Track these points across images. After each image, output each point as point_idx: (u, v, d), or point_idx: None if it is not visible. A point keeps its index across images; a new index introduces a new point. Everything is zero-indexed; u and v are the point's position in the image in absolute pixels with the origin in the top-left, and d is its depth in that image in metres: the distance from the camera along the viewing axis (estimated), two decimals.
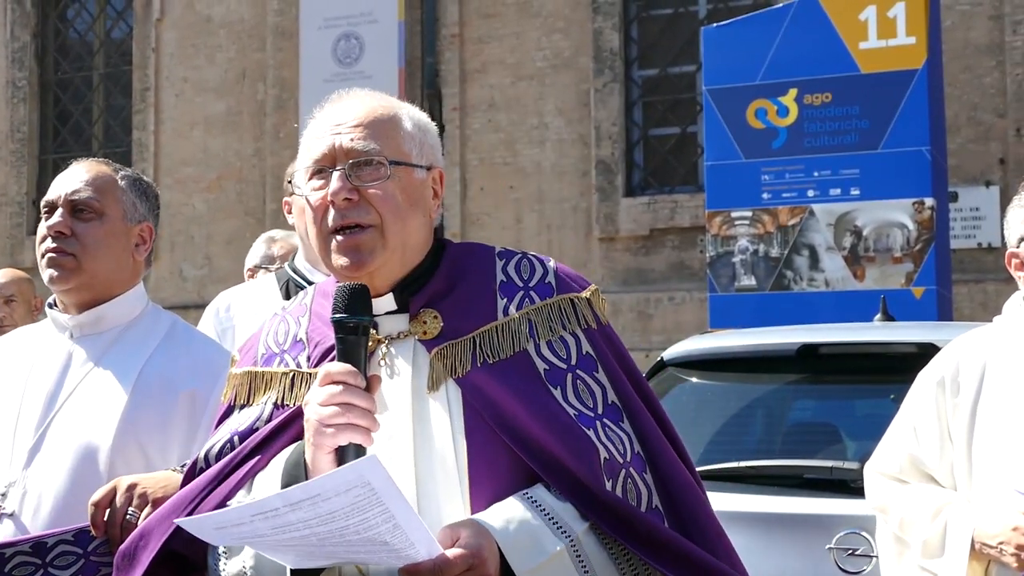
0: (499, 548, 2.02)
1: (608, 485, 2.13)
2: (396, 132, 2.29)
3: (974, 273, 11.46)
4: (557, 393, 2.20)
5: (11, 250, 15.35)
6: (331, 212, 2.23)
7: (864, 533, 4.07)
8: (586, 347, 2.27)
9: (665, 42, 13.37)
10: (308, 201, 2.28)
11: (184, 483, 2.34)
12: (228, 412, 2.38)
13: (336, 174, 2.23)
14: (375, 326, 2.25)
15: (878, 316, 5.89)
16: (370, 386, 2.11)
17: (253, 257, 5.66)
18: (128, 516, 2.51)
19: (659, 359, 5.29)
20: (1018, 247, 3.20)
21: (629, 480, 2.16)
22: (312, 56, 14.15)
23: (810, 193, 8.83)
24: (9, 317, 5.92)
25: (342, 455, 2.05)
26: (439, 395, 2.20)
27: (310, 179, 2.28)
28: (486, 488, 2.13)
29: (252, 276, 5.65)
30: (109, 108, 16.02)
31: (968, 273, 11.36)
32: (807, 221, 8.80)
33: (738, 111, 8.99)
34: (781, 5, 9.25)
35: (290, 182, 4.07)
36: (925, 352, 3.86)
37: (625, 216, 13.08)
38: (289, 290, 4.06)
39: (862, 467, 3.46)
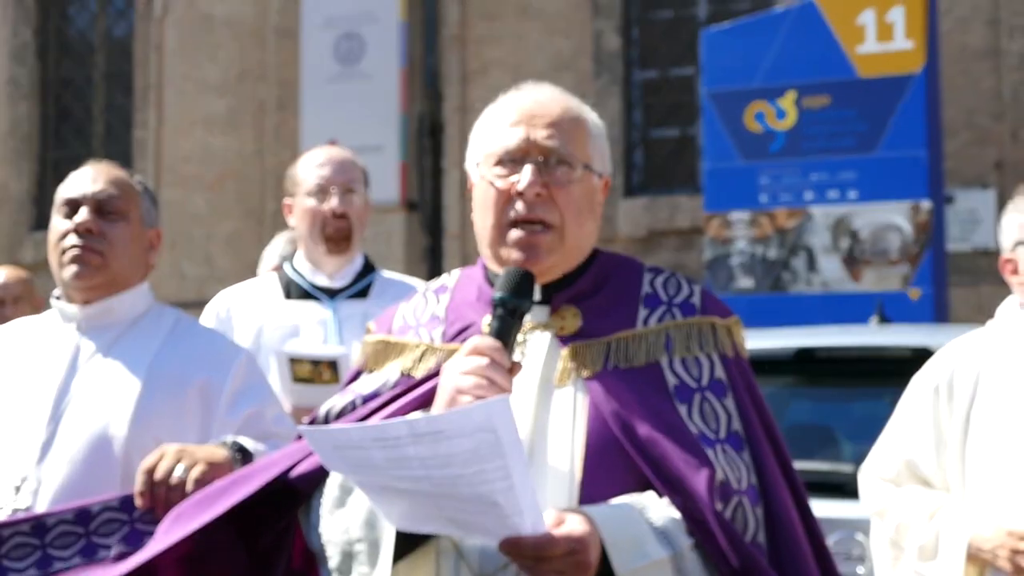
0: (602, 543, 2.02)
1: (719, 507, 2.13)
2: (585, 136, 2.33)
3: (970, 276, 11.46)
4: (683, 410, 2.21)
5: (11, 248, 15.34)
6: (517, 203, 2.25)
7: (859, 536, 4.11)
8: (719, 372, 2.28)
9: (665, 45, 13.38)
10: (493, 185, 2.28)
11: (298, 437, 2.39)
12: (356, 375, 2.44)
13: (530, 167, 2.25)
14: None
15: (874, 319, 5.93)
16: (512, 369, 2.14)
17: (272, 256, 5.65)
18: (178, 476, 2.54)
19: None
20: (1012, 252, 3.20)
21: (740, 508, 2.17)
22: (313, 56, 14.10)
23: (808, 196, 8.88)
24: (17, 316, 5.94)
25: None
26: (566, 391, 2.23)
27: (496, 165, 2.29)
28: (596, 490, 2.14)
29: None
30: (110, 106, 15.97)
31: (964, 276, 11.37)
32: (805, 223, 8.85)
33: (737, 114, 9.04)
34: (780, 9, 9.30)
35: (291, 188, 4.14)
36: (920, 356, 3.87)
37: (624, 217, 13.09)
38: (290, 290, 4.11)
39: (857, 470, 3.47)
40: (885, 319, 5.94)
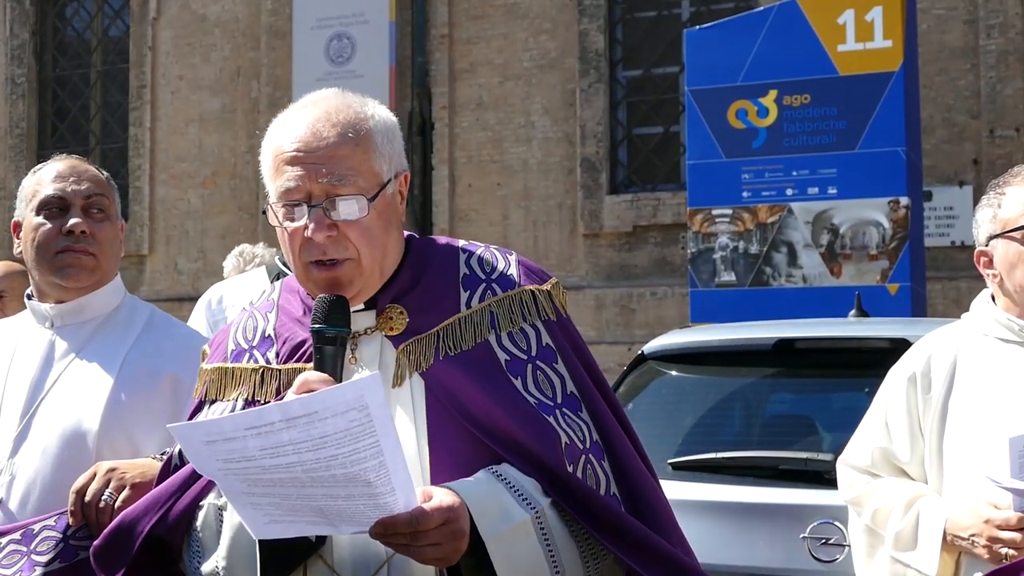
0: (469, 513, 2.02)
1: (570, 469, 2.14)
2: (369, 154, 2.22)
3: (948, 271, 11.47)
4: (518, 383, 2.20)
5: (9, 243, 15.26)
6: (310, 245, 2.18)
7: (837, 523, 4.09)
8: (546, 339, 2.27)
9: (649, 44, 13.40)
10: (285, 230, 2.21)
11: (160, 478, 2.34)
12: (199, 407, 2.36)
13: (313, 213, 2.16)
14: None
15: (852, 312, 5.88)
16: None
17: (229, 267, 5.84)
18: (104, 499, 2.51)
19: (640, 353, 5.28)
20: (986, 245, 3.14)
21: (589, 466, 2.18)
22: (305, 55, 14.15)
23: (789, 192, 8.79)
24: (1, 312, 5.96)
25: None
26: (403, 390, 2.20)
27: (282, 207, 2.20)
28: (446, 480, 2.10)
29: None
30: (106, 105, 15.97)
31: (942, 270, 11.39)
32: (786, 219, 8.79)
33: (719, 111, 8.97)
34: (762, 8, 9.30)
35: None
36: (897, 347, 3.80)
37: (609, 213, 13.14)
38: None
39: (836, 459, 3.42)
40: (863, 312, 5.95)
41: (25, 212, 2.96)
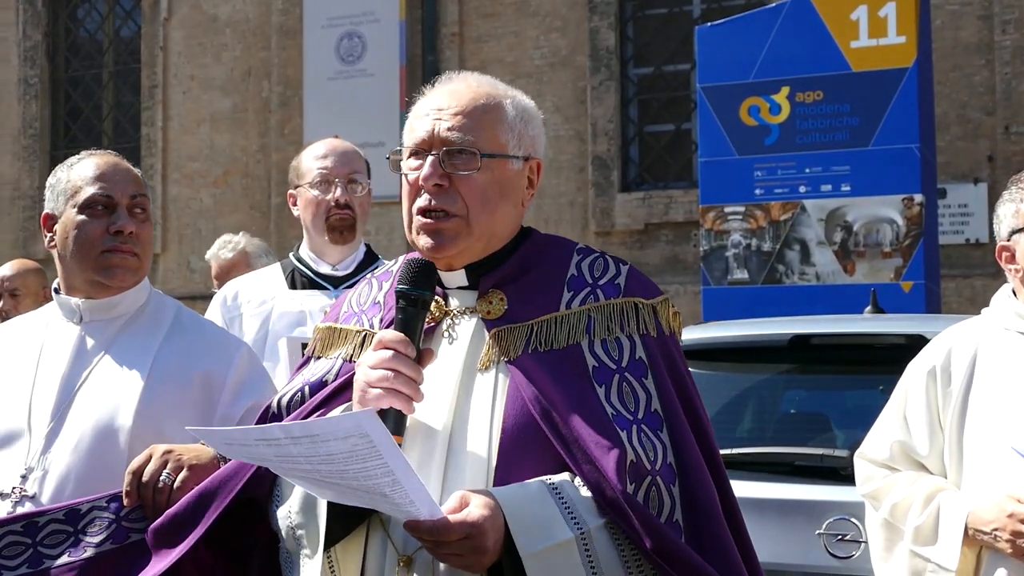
0: (507, 525, 2.03)
1: (630, 488, 2.12)
2: (496, 123, 2.32)
3: (962, 268, 11.44)
4: (600, 391, 2.20)
5: (24, 242, 15.39)
6: (422, 194, 2.28)
7: (853, 519, 4.09)
8: (640, 352, 2.27)
9: (660, 41, 13.39)
10: (406, 178, 2.32)
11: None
12: (306, 361, 2.48)
13: (430, 159, 2.27)
14: (445, 298, 2.33)
15: (868, 308, 5.88)
16: (421, 358, 2.18)
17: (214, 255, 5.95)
18: (163, 479, 2.53)
19: None
20: (1008, 240, 3.17)
21: (654, 488, 2.15)
22: (316, 54, 14.17)
23: (802, 189, 8.76)
24: (15, 310, 5.97)
25: (383, 419, 2.08)
26: (488, 374, 2.24)
27: (409, 157, 2.33)
28: (510, 474, 2.15)
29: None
30: (118, 105, 16.05)
31: (956, 268, 11.35)
32: (799, 216, 8.75)
33: (732, 109, 8.94)
34: (774, 5, 9.25)
35: (295, 179, 4.19)
36: (914, 344, 3.81)
37: (620, 211, 13.14)
38: (295, 279, 4.13)
39: (852, 455, 3.45)
40: (879, 309, 5.93)
41: (64, 207, 2.97)
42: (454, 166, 2.27)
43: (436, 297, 2.31)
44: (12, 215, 15.99)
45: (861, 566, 3.88)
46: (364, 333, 2.37)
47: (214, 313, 4.19)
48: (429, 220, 2.28)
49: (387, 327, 2.32)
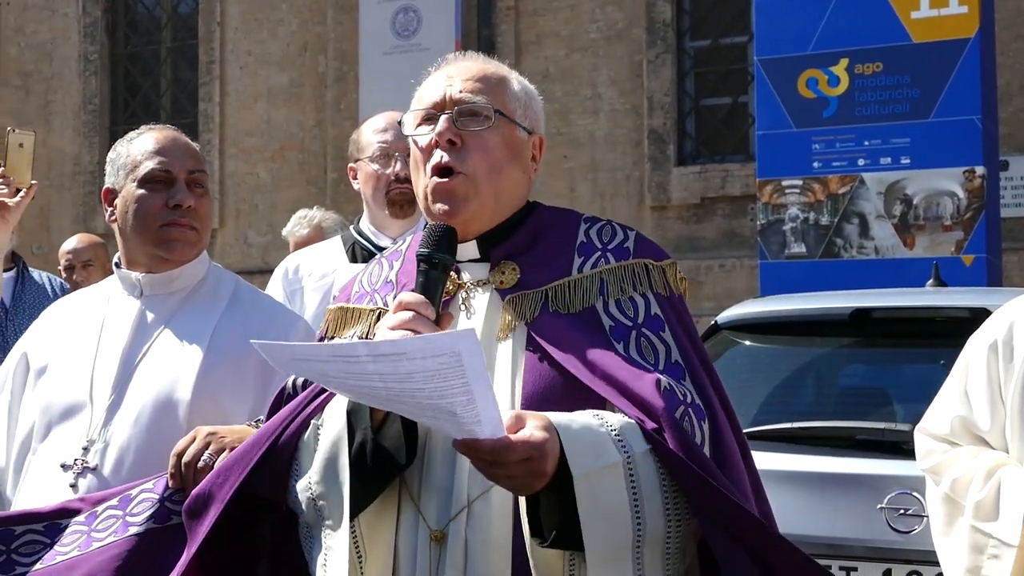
0: (561, 448, 2.03)
1: (674, 414, 2.14)
2: (503, 90, 2.40)
3: None
4: (620, 347, 2.24)
5: (84, 217, 15.60)
6: (435, 153, 2.33)
7: (915, 493, 4.09)
8: (655, 308, 2.31)
9: (717, 13, 13.32)
10: (416, 143, 2.38)
11: (271, 409, 2.46)
12: (319, 342, 2.48)
13: (444, 117, 2.33)
14: (458, 272, 2.36)
15: (930, 282, 5.83)
16: (440, 321, 2.19)
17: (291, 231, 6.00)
18: (204, 460, 2.55)
19: (713, 323, 5.28)
20: None
21: (687, 418, 2.17)
22: (371, 29, 14.18)
23: (860, 162, 8.73)
24: (87, 280, 6.11)
25: None
26: (507, 343, 2.27)
27: (419, 124, 2.38)
28: None
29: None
30: (176, 80, 16.19)
31: (1018, 241, 11.24)
32: (857, 189, 8.71)
33: (789, 81, 8.90)
34: None
35: (355, 152, 4.21)
36: (977, 317, 3.71)
37: (677, 185, 13.09)
38: (355, 252, 4.15)
39: (913, 429, 3.38)
40: (941, 282, 5.88)
41: (124, 182, 2.99)
42: (466, 124, 2.34)
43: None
44: (73, 190, 16.17)
45: (923, 540, 3.87)
46: (378, 311, 2.40)
47: (275, 286, 4.22)
48: (439, 180, 2.33)
49: None
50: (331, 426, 2.25)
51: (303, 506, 2.27)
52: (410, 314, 2.16)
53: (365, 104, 13.64)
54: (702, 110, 13.46)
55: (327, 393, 2.31)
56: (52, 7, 16.50)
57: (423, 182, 2.37)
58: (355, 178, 4.20)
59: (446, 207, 2.32)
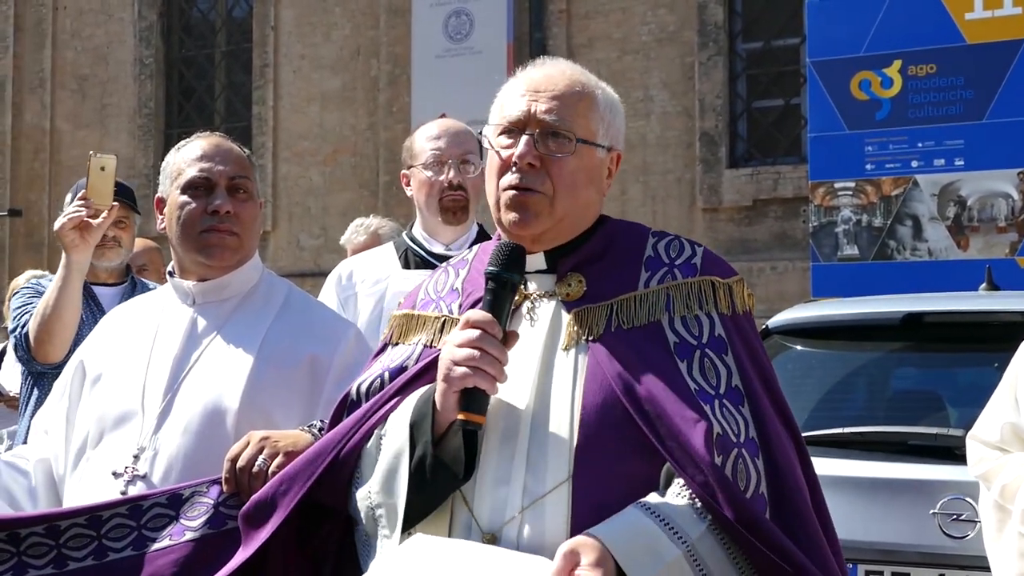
0: (616, 562, 2.03)
1: (718, 460, 2.13)
2: (588, 110, 2.37)
3: None
4: (683, 366, 2.23)
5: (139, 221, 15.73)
6: (511, 171, 2.32)
7: (968, 499, 4.05)
8: (719, 329, 2.30)
9: (769, 15, 13.25)
10: (497, 155, 2.36)
11: (335, 416, 2.46)
12: (383, 348, 2.51)
13: (525, 138, 2.31)
14: (524, 282, 2.35)
15: (983, 286, 5.74)
16: (507, 339, 2.21)
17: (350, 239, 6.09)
18: (259, 465, 2.54)
19: (764, 327, 5.19)
20: None
21: (740, 461, 2.16)
22: (424, 32, 14.22)
23: (914, 164, 8.74)
24: None
25: (466, 398, 2.16)
26: (570, 354, 2.27)
27: (500, 135, 2.37)
28: (593, 449, 2.18)
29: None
30: (230, 84, 16.29)
31: None
32: (910, 191, 8.73)
33: (842, 83, 8.93)
34: None
35: (408, 159, 4.25)
36: None
37: (728, 187, 13.04)
38: (408, 259, 4.15)
39: (965, 434, 3.39)
40: (994, 286, 5.83)
41: (170, 190, 3.00)
42: (548, 148, 2.32)
43: None
44: None
45: (976, 546, 3.82)
46: (443, 319, 2.41)
47: (329, 292, 4.23)
48: (514, 193, 2.32)
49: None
50: (393, 437, 2.27)
51: (362, 514, 2.30)
52: (477, 332, 2.18)
53: (417, 107, 13.70)
54: (754, 112, 13.40)
55: (392, 403, 2.33)
56: (108, 11, 16.68)
57: (495, 191, 2.38)
58: (408, 184, 4.21)
59: (518, 217, 2.32)
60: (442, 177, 4.07)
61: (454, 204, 4.07)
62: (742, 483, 2.16)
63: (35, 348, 4.36)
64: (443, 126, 4.16)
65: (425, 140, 4.14)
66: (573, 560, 2.03)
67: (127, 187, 4.90)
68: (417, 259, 4.15)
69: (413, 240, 4.21)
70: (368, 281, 4.19)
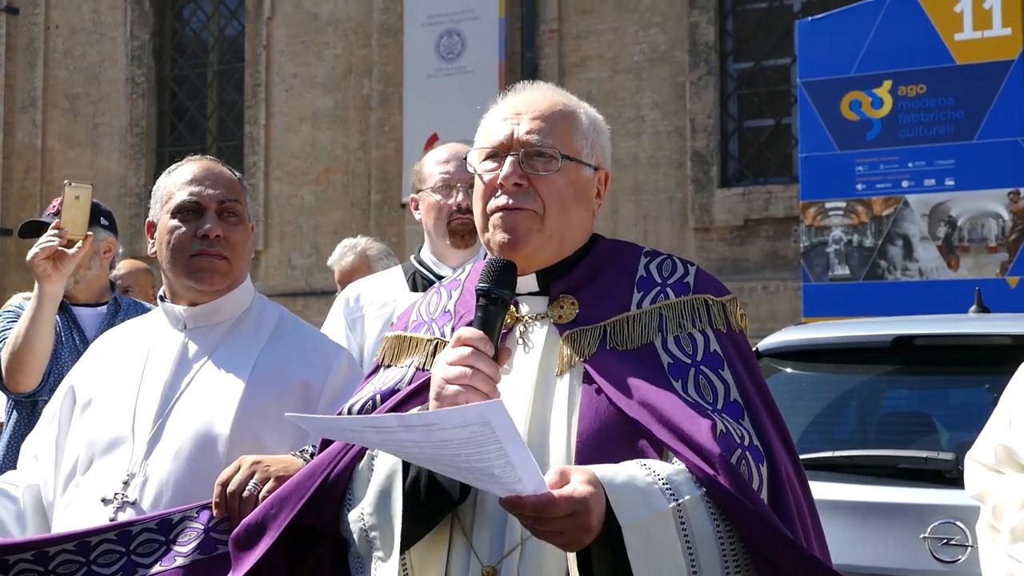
0: (607, 501, 2.02)
1: (724, 455, 2.11)
2: (571, 129, 2.38)
3: None
4: (678, 385, 2.21)
5: (130, 240, 15.68)
6: (497, 194, 2.33)
7: (959, 523, 4.02)
8: (714, 345, 2.28)
9: (760, 35, 13.33)
10: (481, 179, 2.37)
11: (324, 443, 2.42)
12: (375, 370, 2.49)
13: (509, 159, 2.32)
14: (516, 305, 2.35)
15: (973, 308, 5.69)
16: (498, 356, 2.18)
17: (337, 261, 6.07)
18: (249, 489, 2.53)
19: (754, 349, 5.16)
20: None
21: (744, 461, 2.14)
22: (416, 52, 14.26)
23: (904, 184, 8.74)
24: None
25: None
26: (564, 378, 2.26)
27: (484, 159, 2.38)
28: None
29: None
30: (222, 103, 16.33)
31: None
32: (901, 211, 8.72)
33: (832, 103, 8.95)
34: None
35: (417, 183, 4.26)
36: (1020, 344, 3.79)
37: (720, 207, 13.07)
38: (416, 282, 4.15)
39: (957, 457, 3.44)
40: (984, 308, 5.83)
41: (160, 214, 3.00)
42: (533, 167, 2.32)
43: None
44: (119, 212, 16.28)
45: (967, 571, 3.83)
46: (435, 341, 2.39)
47: (336, 315, 4.23)
48: (503, 213, 2.31)
49: None
50: (386, 458, 2.25)
51: (355, 536, 2.27)
52: (469, 350, 2.16)
53: (409, 127, 13.74)
54: (745, 132, 13.44)
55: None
56: (100, 31, 16.70)
57: (483, 214, 2.38)
58: (417, 208, 4.22)
59: (508, 238, 2.32)
60: (451, 201, 4.07)
61: (463, 227, 4.06)
62: (746, 478, 2.14)
63: (6, 378, 4.32)
64: (452, 150, 4.16)
65: (434, 164, 4.15)
66: (563, 479, 2.02)
67: (106, 210, 4.86)
68: (425, 282, 4.15)
69: (421, 263, 4.21)
70: (375, 303, 4.19)
